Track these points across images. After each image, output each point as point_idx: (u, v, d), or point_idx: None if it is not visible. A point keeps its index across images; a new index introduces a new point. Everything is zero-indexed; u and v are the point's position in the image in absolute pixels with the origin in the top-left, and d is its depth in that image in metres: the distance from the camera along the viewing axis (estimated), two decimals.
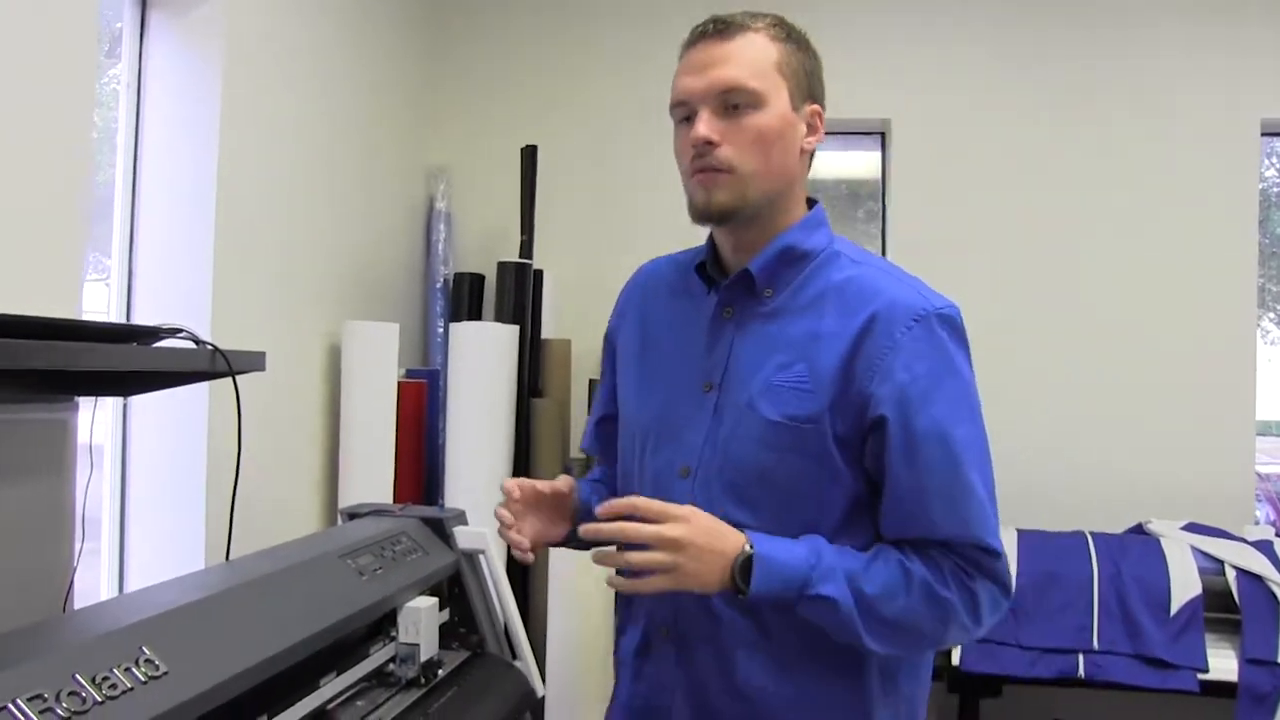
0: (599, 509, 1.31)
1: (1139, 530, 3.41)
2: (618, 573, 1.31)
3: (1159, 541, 3.18)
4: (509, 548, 1.46)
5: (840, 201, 4.26)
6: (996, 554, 1.33)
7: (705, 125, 1.36)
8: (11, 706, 0.81)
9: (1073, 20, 3.89)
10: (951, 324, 1.38)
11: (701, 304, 1.49)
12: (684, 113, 1.40)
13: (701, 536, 1.28)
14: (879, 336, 1.34)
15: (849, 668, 1.39)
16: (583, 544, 1.59)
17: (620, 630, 1.59)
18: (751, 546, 1.30)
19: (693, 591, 1.31)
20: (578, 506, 1.58)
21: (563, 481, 1.55)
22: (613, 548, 1.35)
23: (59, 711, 0.84)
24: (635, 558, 1.27)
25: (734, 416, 1.40)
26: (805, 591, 1.29)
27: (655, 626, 1.47)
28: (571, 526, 1.57)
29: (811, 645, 1.37)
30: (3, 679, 0.83)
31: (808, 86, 1.42)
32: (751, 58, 1.37)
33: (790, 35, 1.42)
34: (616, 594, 1.55)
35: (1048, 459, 3.74)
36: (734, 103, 1.36)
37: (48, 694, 0.85)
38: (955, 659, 2.95)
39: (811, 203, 1.49)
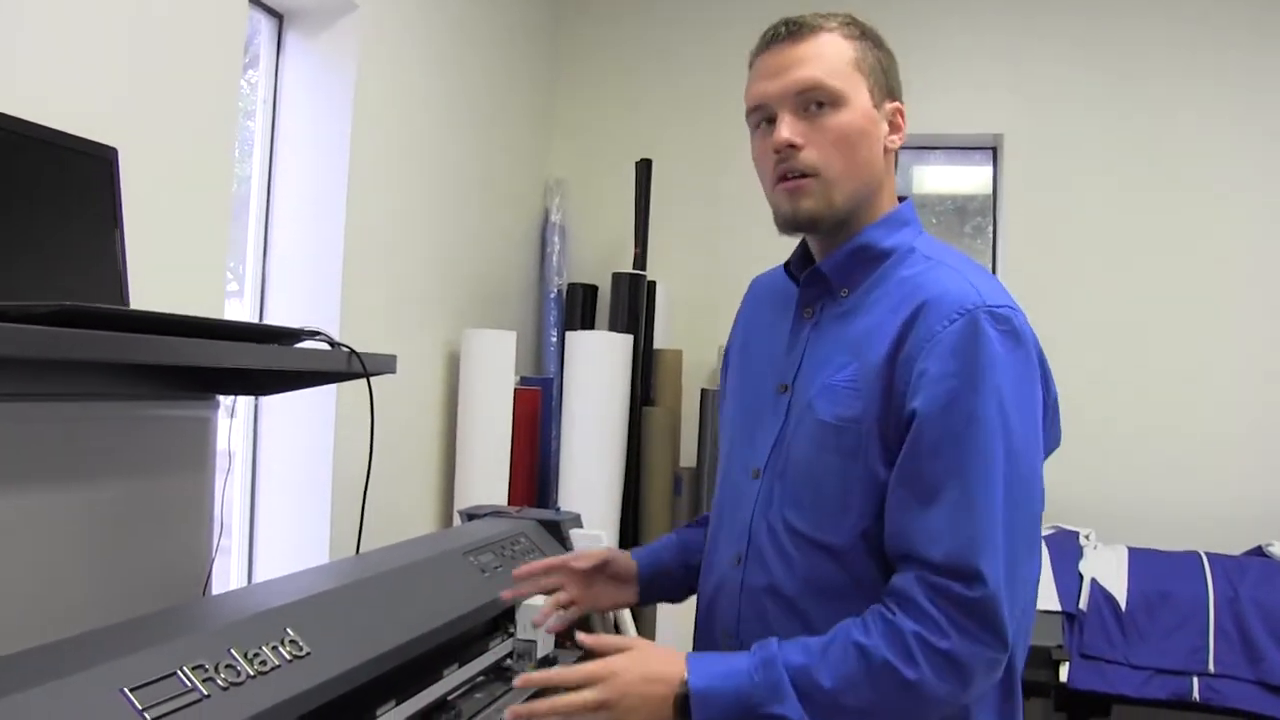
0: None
1: (1259, 552, 3.30)
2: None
3: None
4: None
5: (947, 216, 4.24)
6: (982, 580, 1.15)
7: (787, 128, 1.30)
8: (179, 673, 0.89)
9: (1192, 35, 3.81)
10: (1004, 322, 1.24)
11: (793, 306, 1.45)
12: (761, 116, 1.35)
13: (637, 667, 1.19)
14: (920, 330, 1.25)
15: None
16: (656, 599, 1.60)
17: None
18: (686, 681, 1.18)
19: None
20: (639, 572, 1.56)
21: (599, 555, 1.53)
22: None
23: (219, 682, 0.92)
24: (561, 702, 1.16)
25: (797, 417, 1.35)
26: (757, 712, 1.16)
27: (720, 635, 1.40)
28: (637, 588, 1.56)
29: None
30: (171, 648, 0.91)
31: (886, 83, 1.36)
32: (828, 56, 1.32)
33: (864, 32, 1.36)
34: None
35: (1164, 477, 3.63)
36: (816, 100, 1.30)
37: (208, 665, 0.92)
38: (1063, 676, 2.90)
39: (901, 200, 1.42)
